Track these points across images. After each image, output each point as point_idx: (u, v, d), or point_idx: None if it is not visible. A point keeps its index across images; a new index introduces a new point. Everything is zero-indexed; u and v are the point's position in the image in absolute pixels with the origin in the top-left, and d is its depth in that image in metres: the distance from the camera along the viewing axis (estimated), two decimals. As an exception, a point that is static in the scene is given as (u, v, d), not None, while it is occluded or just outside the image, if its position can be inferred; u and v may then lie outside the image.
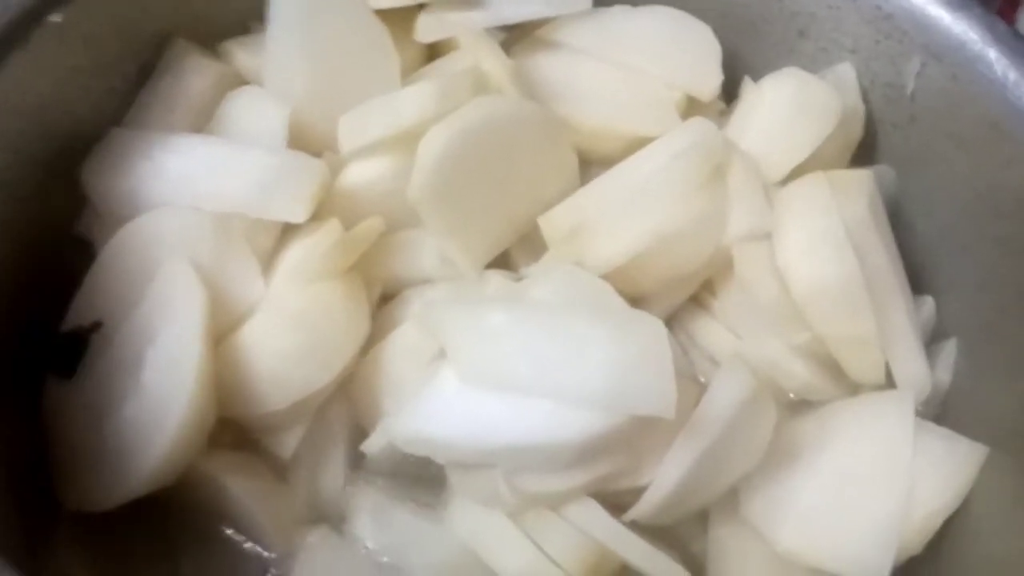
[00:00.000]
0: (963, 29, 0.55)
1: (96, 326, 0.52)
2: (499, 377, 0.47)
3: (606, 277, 0.53)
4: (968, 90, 0.55)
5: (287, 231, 0.54)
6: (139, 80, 0.58)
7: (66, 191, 0.54)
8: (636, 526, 0.49)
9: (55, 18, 0.51)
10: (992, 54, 0.54)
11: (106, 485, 0.49)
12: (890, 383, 0.56)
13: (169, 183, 0.54)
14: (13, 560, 0.40)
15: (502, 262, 0.58)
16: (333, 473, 0.54)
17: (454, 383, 0.47)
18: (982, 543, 0.50)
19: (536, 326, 0.47)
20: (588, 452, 0.47)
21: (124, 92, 0.58)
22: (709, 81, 0.60)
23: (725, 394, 0.48)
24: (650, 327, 0.47)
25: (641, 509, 0.49)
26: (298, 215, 0.53)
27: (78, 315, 0.52)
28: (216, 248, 0.52)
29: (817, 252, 0.53)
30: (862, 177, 0.57)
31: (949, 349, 0.58)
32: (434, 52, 0.63)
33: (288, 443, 0.53)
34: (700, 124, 0.57)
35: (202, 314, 0.49)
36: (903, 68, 0.58)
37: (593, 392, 0.45)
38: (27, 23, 0.51)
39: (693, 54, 0.62)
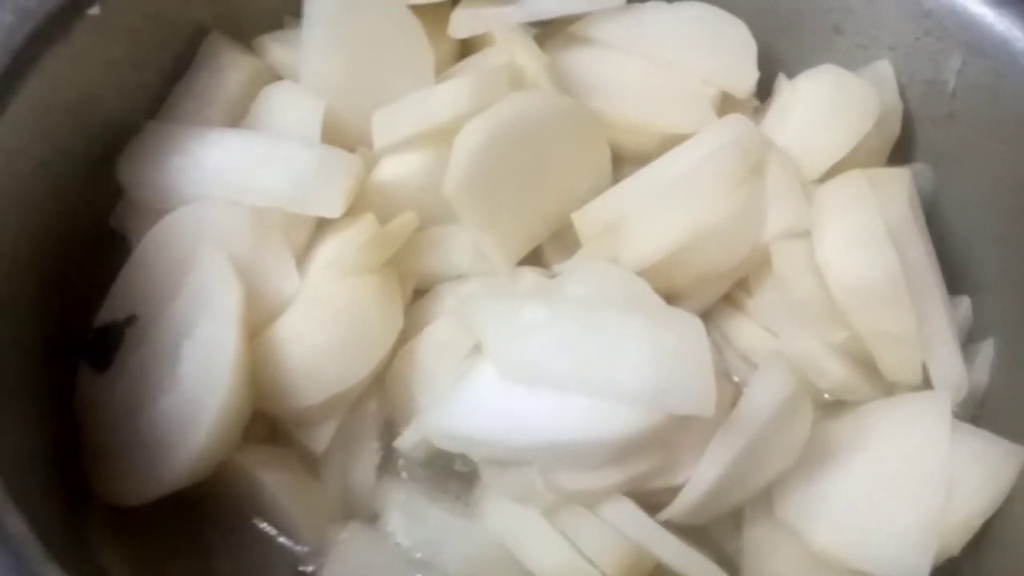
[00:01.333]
0: (1006, 26, 0.54)
1: (131, 320, 0.52)
2: (536, 373, 0.46)
3: (641, 274, 0.53)
4: (1010, 87, 0.54)
5: (322, 226, 0.54)
6: (174, 74, 0.59)
7: (104, 185, 0.54)
8: (670, 526, 0.49)
9: (94, 11, 0.51)
10: (1036, 51, 0.53)
11: (141, 480, 0.49)
12: (926, 384, 0.55)
13: (205, 177, 0.54)
14: (52, 549, 0.40)
15: (534, 259, 0.58)
16: (366, 468, 0.54)
17: (490, 379, 0.47)
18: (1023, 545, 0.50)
19: (573, 322, 0.47)
20: (625, 450, 0.46)
21: (160, 86, 0.58)
22: (745, 78, 0.60)
23: (764, 393, 0.48)
24: (689, 325, 0.47)
25: (676, 508, 0.48)
26: (334, 210, 0.53)
27: (113, 309, 0.52)
28: (252, 242, 0.52)
29: (857, 249, 0.53)
30: (901, 175, 0.57)
31: (986, 350, 0.57)
32: (468, 48, 0.63)
33: (321, 438, 0.53)
34: (738, 121, 0.56)
35: (238, 307, 0.49)
36: (943, 65, 0.58)
37: (631, 390, 0.45)
38: (67, 16, 0.51)
39: (728, 50, 0.61)
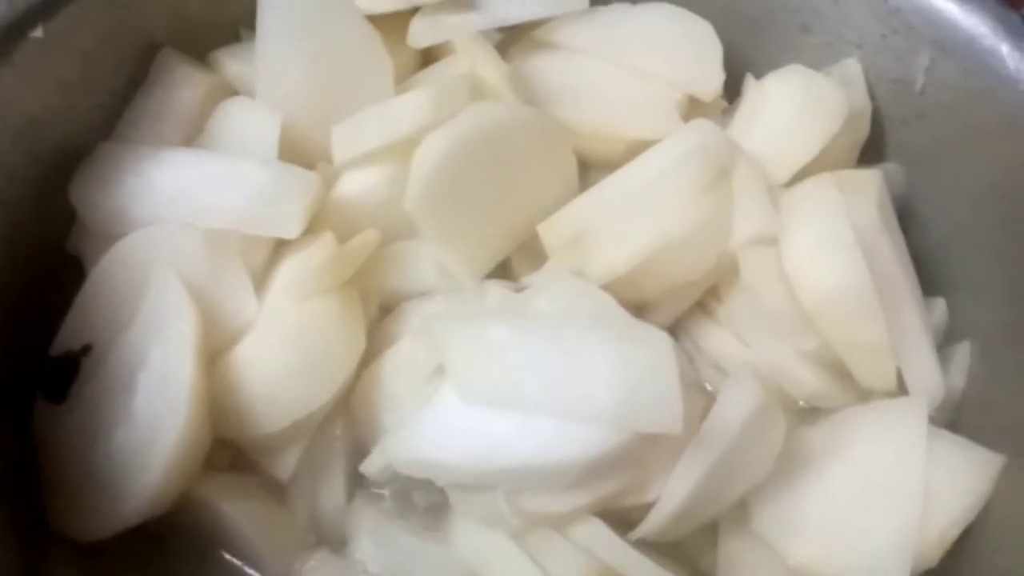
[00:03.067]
0: (973, 23, 0.54)
1: (86, 349, 0.51)
2: (500, 395, 0.45)
3: (609, 285, 0.52)
4: (980, 85, 0.53)
5: (280, 245, 0.53)
6: (128, 93, 0.57)
7: (58, 209, 0.53)
8: (644, 543, 0.48)
9: (37, 33, 0.50)
10: (1004, 48, 0.52)
11: (99, 514, 0.48)
12: (902, 389, 0.54)
13: (159, 199, 0.52)
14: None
15: (502, 271, 0.57)
16: (333, 494, 0.53)
17: (454, 402, 0.46)
18: (1002, 555, 0.49)
19: (538, 341, 0.46)
20: (593, 471, 0.45)
21: (113, 105, 0.57)
22: (711, 80, 0.59)
23: (733, 407, 0.47)
24: (656, 341, 0.46)
25: (649, 526, 0.48)
26: (291, 230, 0.51)
27: (69, 337, 0.51)
28: (208, 265, 0.51)
29: (826, 256, 0.52)
30: (871, 177, 0.56)
31: (963, 352, 0.56)
32: (428, 57, 0.61)
33: (286, 464, 0.52)
34: (703, 126, 0.55)
35: (194, 333, 0.48)
36: (911, 63, 0.57)
37: (599, 409, 0.44)
38: (10, 39, 0.49)
39: (694, 52, 0.60)
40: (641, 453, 0.46)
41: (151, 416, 0.47)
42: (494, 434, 0.45)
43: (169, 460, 0.46)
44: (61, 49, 0.52)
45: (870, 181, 0.55)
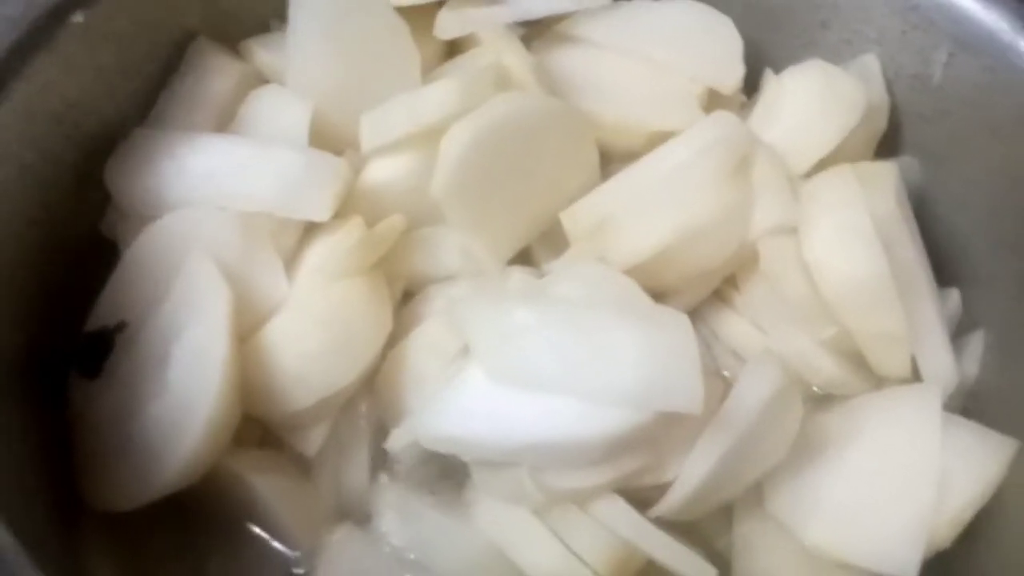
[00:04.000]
0: (994, 20, 0.54)
1: (121, 326, 0.52)
2: (525, 375, 0.46)
3: (629, 272, 0.53)
4: (998, 80, 0.54)
5: (309, 229, 0.54)
6: (161, 80, 0.59)
7: (93, 192, 0.54)
8: (660, 522, 0.49)
9: (78, 18, 0.52)
10: (1023, 44, 0.53)
11: (132, 485, 0.49)
12: (916, 377, 0.55)
13: (192, 182, 0.54)
14: (40, 559, 0.40)
15: (523, 258, 0.58)
16: (358, 470, 0.54)
17: (480, 381, 0.47)
18: (1014, 536, 0.50)
19: (562, 323, 0.47)
20: (615, 449, 0.46)
21: (147, 92, 0.58)
22: (731, 74, 0.60)
23: (753, 389, 0.48)
24: (677, 324, 0.47)
25: (666, 505, 0.48)
26: (322, 214, 0.53)
27: (103, 315, 0.52)
28: (240, 247, 0.52)
29: (845, 246, 0.53)
30: (889, 169, 0.57)
31: (976, 341, 0.57)
32: (454, 49, 0.63)
33: (313, 441, 0.53)
34: (724, 117, 0.56)
35: (227, 311, 0.49)
36: (930, 59, 0.58)
37: (621, 389, 0.45)
38: (51, 24, 0.51)
39: (714, 47, 0.61)
40: (661, 433, 0.47)
41: (185, 390, 0.48)
42: (519, 412, 0.46)
43: (202, 433, 0.48)
44: (99, 35, 0.54)
45: (888, 173, 0.56)
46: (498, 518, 0.50)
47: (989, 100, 0.55)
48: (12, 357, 0.50)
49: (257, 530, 0.53)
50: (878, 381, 0.56)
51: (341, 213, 0.54)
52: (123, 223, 0.55)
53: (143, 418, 0.49)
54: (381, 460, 0.54)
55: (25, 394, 0.50)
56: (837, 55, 0.62)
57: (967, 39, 0.56)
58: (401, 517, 0.52)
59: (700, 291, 0.57)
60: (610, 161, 0.59)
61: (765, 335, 0.56)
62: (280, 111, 0.57)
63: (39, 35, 0.50)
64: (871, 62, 0.61)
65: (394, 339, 0.54)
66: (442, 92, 0.54)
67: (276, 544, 0.52)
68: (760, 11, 0.64)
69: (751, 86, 0.63)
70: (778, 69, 0.62)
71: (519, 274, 0.55)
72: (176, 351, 0.50)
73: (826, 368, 0.55)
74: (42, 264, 0.52)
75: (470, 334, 0.49)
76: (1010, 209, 0.55)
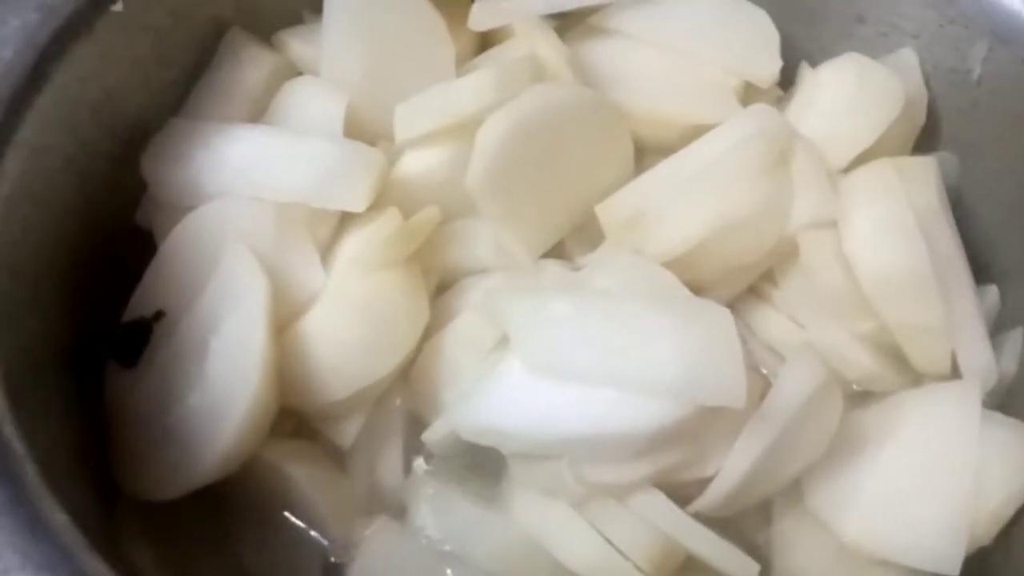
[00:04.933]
0: (1032, 13, 0.54)
1: (158, 316, 0.52)
2: (564, 366, 0.46)
3: (666, 265, 0.53)
4: (1038, 75, 0.54)
5: (345, 220, 0.54)
6: (196, 71, 0.59)
7: (129, 181, 0.54)
8: (699, 518, 0.49)
9: (117, 7, 0.51)
10: (1062, 37, 0.53)
11: (170, 474, 0.49)
12: (955, 373, 0.55)
13: (228, 173, 0.53)
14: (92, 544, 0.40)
15: (557, 252, 0.58)
16: (392, 462, 0.54)
17: (518, 372, 0.47)
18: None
19: (601, 315, 0.47)
20: (654, 442, 0.46)
21: (183, 83, 0.58)
22: (768, 67, 0.60)
23: (795, 383, 0.48)
24: (718, 316, 0.47)
25: (706, 500, 0.48)
26: (358, 204, 0.52)
27: (140, 305, 0.52)
28: (277, 238, 0.52)
29: (885, 239, 0.53)
30: (928, 164, 0.56)
31: (1014, 338, 0.57)
32: (487, 41, 0.62)
33: (348, 432, 0.53)
34: (763, 110, 0.56)
35: (266, 303, 0.49)
36: (967, 53, 0.57)
37: (661, 382, 0.45)
38: (91, 13, 0.51)
39: (750, 40, 0.61)
40: (702, 427, 0.47)
41: (224, 381, 0.48)
42: (558, 404, 0.46)
43: (241, 424, 0.48)
44: (136, 25, 0.54)
45: (927, 168, 0.56)
46: (536, 511, 0.50)
47: (1026, 94, 0.55)
48: (54, 344, 0.50)
49: (293, 519, 0.53)
50: (917, 377, 0.55)
51: (376, 205, 0.54)
52: (158, 213, 0.55)
53: (181, 409, 0.49)
54: (416, 452, 0.54)
55: (67, 382, 0.50)
56: (874, 49, 0.61)
57: (1005, 33, 0.56)
58: (437, 509, 0.52)
59: (737, 286, 0.57)
60: (644, 155, 0.59)
61: (802, 330, 0.56)
62: (314, 102, 0.57)
63: (80, 23, 0.50)
64: (908, 56, 0.60)
65: (429, 332, 0.54)
66: (477, 83, 0.54)
67: (313, 533, 0.52)
68: (796, 4, 0.64)
69: (786, 80, 0.62)
70: (814, 63, 0.62)
71: (554, 267, 0.55)
72: (214, 342, 0.49)
73: (864, 363, 0.54)
74: (81, 253, 0.52)
75: (508, 325, 0.49)
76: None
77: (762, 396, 0.49)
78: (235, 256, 0.51)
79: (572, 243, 0.58)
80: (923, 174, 0.55)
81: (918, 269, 0.52)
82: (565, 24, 0.64)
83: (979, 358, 0.54)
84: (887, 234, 0.53)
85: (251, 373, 0.48)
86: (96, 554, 0.39)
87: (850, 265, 0.53)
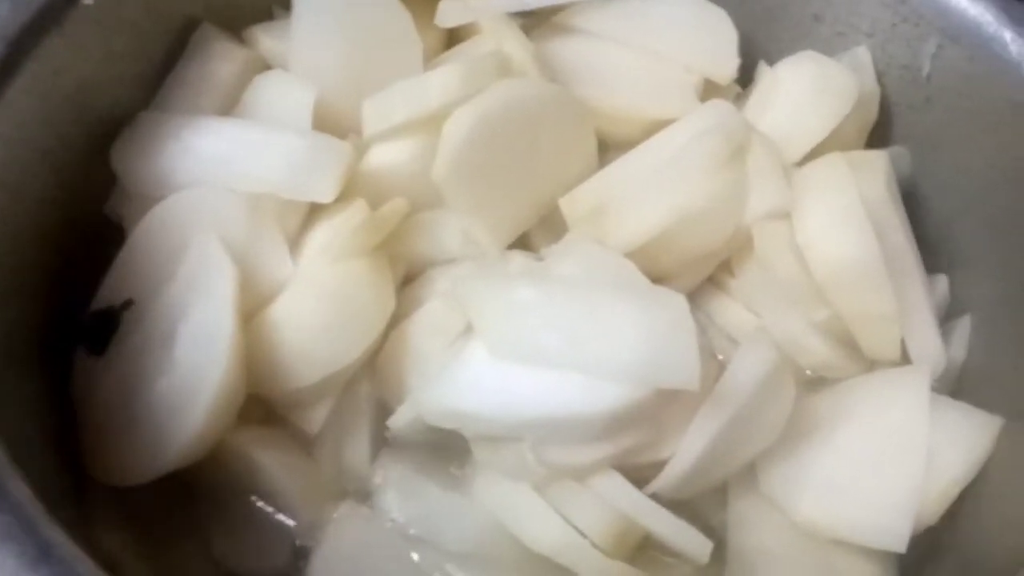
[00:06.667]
0: (979, 12, 0.56)
1: (127, 304, 0.52)
2: (527, 350, 0.47)
3: (627, 257, 0.54)
4: (985, 71, 0.56)
5: (314, 211, 0.55)
6: (168, 65, 0.59)
7: (102, 173, 0.55)
8: (657, 499, 0.50)
9: (88, 1, 0.52)
10: (1008, 35, 0.55)
11: (138, 460, 0.50)
12: (906, 360, 0.57)
13: (198, 164, 0.54)
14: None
15: (522, 243, 0.59)
16: (359, 448, 0.55)
17: (483, 357, 0.48)
18: (999, 511, 0.51)
19: (564, 300, 0.48)
20: (614, 425, 0.48)
21: (154, 77, 0.59)
22: (727, 65, 0.61)
23: (747, 368, 0.49)
24: (674, 302, 0.48)
25: (662, 482, 0.50)
26: (327, 195, 0.54)
27: (110, 293, 0.53)
28: (246, 228, 0.53)
29: (837, 230, 0.54)
30: (879, 157, 0.58)
31: (963, 326, 0.59)
32: (455, 37, 0.64)
33: (315, 418, 0.54)
34: (720, 105, 0.58)
35: (233, 289, 0.50)
36: (919, 50, 0.59)
37: (621, 365, 0.46)
38: (62, 6, 0.51)
39: (711, 38, 0.63)
40: (659, 410, 0.48)
41: (191, 368, 0.49)
42: (521, 388, 0.47)
43: (209, 409, 0.48)
44: (108, 18, 0.54)
45: (878, 161, 0.58)
46: (499, 493, 0.51)
47: (974, 90, 0.57)
48: (28, 333, 0.50)
49: (261, 504, 0.54)
50: (869, 364, 0.57)
51: (345, 196, 0.55)
52: (128, 204, 0.56)
53: (149, 395, 0.50)
54: (382, 438, 0.55)
55: (39, 369, 0.51)
56: (830, 47, 0.63)
57: (954, 31, 0.58)
58: (402, 493, 0.53)
59: (696, 275, 0.58)
60: (608, 149, 0.61)
61: (759, 319, 0.57)
62: (284, 96, 0.58)
63: (50, 16, 0.51)
64: (862, 54, 0.62)
65: (395, 320, 0.55)
66: (444, 78, 0.55)
67: (280, 517, 0.53)
68: (755, 4, 0.65)
69: (746, 78, 0.64)
70: (772, 61, 0.64)
71: (519, 257, 0.57)
72: (182, 329, 0.50)
73: (818, 350, 0.56)
74: (54, 243, 0.53)
75: (473, 311, 0.50)
76: (993, 194, 0.57)
77: (718, 382, 0.50)
78: (203, 244, 0.51)
79: (537, 234, 0.59)
80: (874, 166, 0.57)
81: (868, 259, 0.54)
82: (531, 22, 0.65)
83: (928, 345, 0.56)
84: (838, 225, 0.54)
85: (218, 359, 0.49)
86: (60, 525, 0.40)
87: (803, 255, 0.55)
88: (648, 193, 0.55)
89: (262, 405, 0.54)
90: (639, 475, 0.50)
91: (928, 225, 0.61)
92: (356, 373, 0.55)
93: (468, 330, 0.52)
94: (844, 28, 0.63)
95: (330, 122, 0.57)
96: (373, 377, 0.55)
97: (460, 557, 0.52)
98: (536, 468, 0.48)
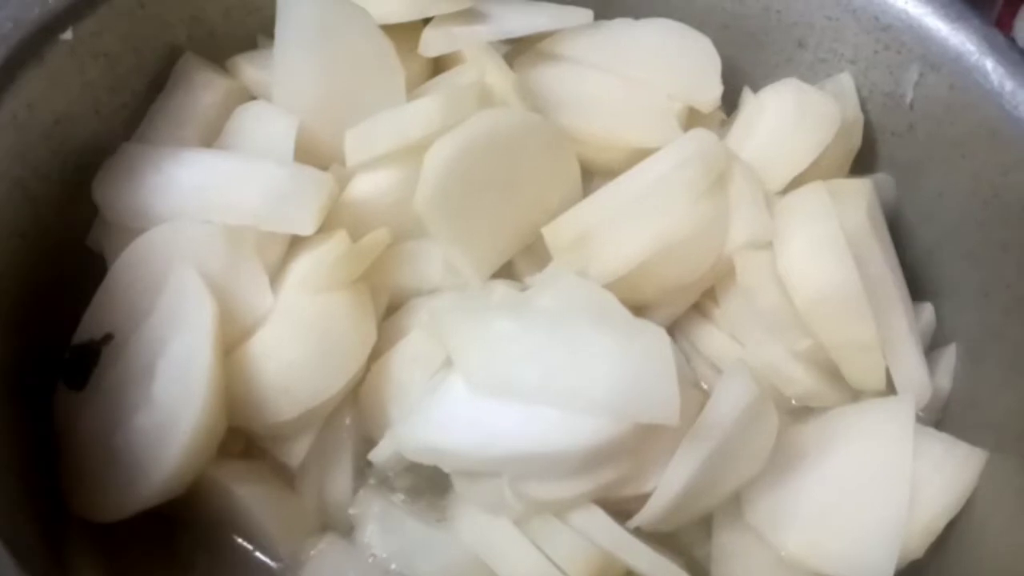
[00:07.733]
0: (960, 40, 0.56)
1: (107, 338, 0.52)
2: (506, 385, 0.47)
3: (610, 286, 0.54)
4: (966, 99, 0.56)
5: (295, 243, 0.55)
6: (149, 95, 0.59)
7: (81, 205, 0.55)
8: (640, 532, 0.50)
9: (67, 36, 0.52)
10: (989, 64, 0.55)
11: (118, 495, 0.49)
12: (890, 389, 0.56)
13: (179, 196, 0.54)
14: (26, 565, 0.41)
15: (506, 272, 0.59)
16: (341, 481, 0.54)
17: (461, 391, 0.48)
18: (985, 546, 0.51)
19: (542, 334, 0.48)
20: (593, 459, 0.47)
21: (135, 107, 0.59)
22: (710, 92, 0.61)
23: (728, 400, 0.49)
24: (654, 336, 0.48)
25: (645, 515, 0.49)
26: (307, 227, 0.53)
27: (89, 327, 0.53)
28: (226, 260, 0.53)
29: (818, 259, 0.54)
30: (861, 185, 0.58)
31: (949, 355, 0.59)
32: (439, 66, 0.64)
33: (297, 452, 0.53)
34: (701, 134, 0.57)
35: (212, 324, 0.50)
36: (901, 78, 0.59)
37: (599, 400, 0.46)
38: (40, 40, 0.52)
39: (694, 65, 0.63)
40: (639, 444, 0.48)
41: (170, 402, 0.49)
42: (499, 423, 0.47)
43: (187, 444, 0.48)
44: (87, 51, 0.55)
45: (861, 189, 0.58)
46: (479, 528, 0.50)
47: (956, 117, 0.57)
48: (4, 368, 0.50)
49: (241, 541, 0.53)
50: (854, 394, 0.57)
51: (326, 227, 0.55)
52: (110, 236, 0.56)
53: (128, 430, 0.49)
54: (364, 471, 0.55)
55: (15, 404, 0.51)
56: (813, 74, 0.63)
57: (935, 59, 0.57)
58: (384, 528, 0.52)
59: (679, 304, 0.58)
60: (591, 177, 0.60)
61: (743, 347, 0.57)
62: (266, 126, 0.58)
63: (28, 51, 0.51)
64: (845, 81, 0.62)
65: (378, 352, 0.55)
66: (425, 108, 0.55)
67: (259, 555, 0.53)
68: (738, 31, 0.65)
69: (730, 105, 0.64)
70: (757, 87, 0.63)
71: (502, 287, 0.56)
72: (161, 363, 0.50)
73: (801, 379, 0.56)
74: (30, 277, 0.53)
75: (451, 344, 0.50)
76: (976, 222, 0.57)
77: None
78: (182, 278, 0.51)
79: (521, 263, 0.59)
80: (855, 194, 0.57)
81: (849, 288, 0.53)
82: (516, 49, 0.65)
83: (913, 374, 0.56)
84: (819, 254, 0.54)
85: (197, 394, 0.49)
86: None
87: (785, 284, 0.54)
88: (629, 223, 0.55)
89: (243, 438, 0.54)
90: (622, 508, 0.50)
91: (913, 252, 0.60)
92: (338, 406, 0.54)
93: (449, 362, 0.52)
94: (826, 55, 0.63)
95: (313, 152, 0.57)
96: (356, 409, 0.55)
97: (441, 592, 0.51)
98: (515, 503, 0.48)
